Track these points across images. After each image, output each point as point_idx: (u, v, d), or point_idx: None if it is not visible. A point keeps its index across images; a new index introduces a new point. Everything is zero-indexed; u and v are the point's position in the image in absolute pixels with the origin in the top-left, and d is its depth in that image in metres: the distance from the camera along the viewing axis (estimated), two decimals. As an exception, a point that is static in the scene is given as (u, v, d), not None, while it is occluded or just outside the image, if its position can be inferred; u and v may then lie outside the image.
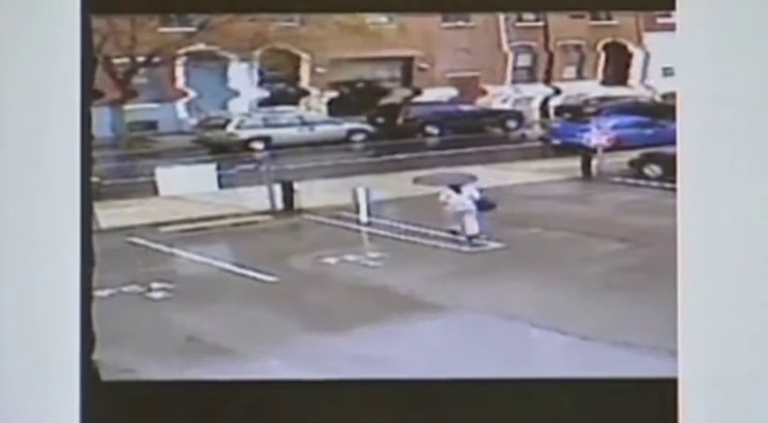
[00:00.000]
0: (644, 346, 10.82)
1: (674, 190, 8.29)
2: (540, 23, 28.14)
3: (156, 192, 19.10)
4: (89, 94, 8.37)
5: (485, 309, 12.58)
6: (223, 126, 24.48)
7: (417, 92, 27.50)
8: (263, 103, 26.07)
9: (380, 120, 25.91)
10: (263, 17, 23.24)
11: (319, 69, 26.51)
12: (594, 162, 20.89)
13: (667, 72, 27.57)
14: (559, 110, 28.11)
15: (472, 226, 16.27)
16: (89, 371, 8.55)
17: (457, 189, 16.87)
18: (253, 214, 18.21)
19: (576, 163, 20.95)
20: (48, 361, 8.25)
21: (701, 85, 8.19)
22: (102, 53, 20.97)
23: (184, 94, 25.48)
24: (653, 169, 20.12)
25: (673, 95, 9.06)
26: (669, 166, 16.38)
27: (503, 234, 16.14)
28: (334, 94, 26.91)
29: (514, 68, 28.65)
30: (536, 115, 28.31)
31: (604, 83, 29.13)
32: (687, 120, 8.23)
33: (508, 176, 21.08)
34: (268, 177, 19.03)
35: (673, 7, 8.31)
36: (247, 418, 9.09)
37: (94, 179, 9.22)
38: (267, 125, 24.52)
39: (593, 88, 28.61)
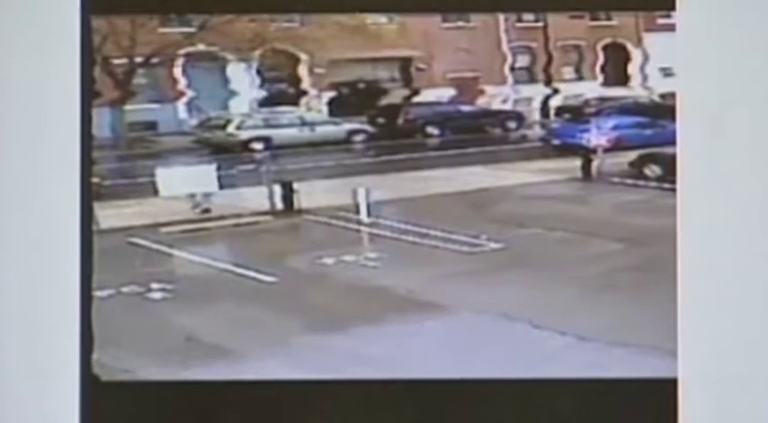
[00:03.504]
0: (644, 346, 10.82)
1: (673, 190, 8.29)
2: (540, 24, 28.15)
3: (156, 192, 19.11)
4: (89, 94, 8.37)
5: (484, 309, 12.59)
6: (223, 126, 24.48)
7: (417, 92, 27.52)
8: (263, 103, 26.09)
9: (381, 120, 25.92)
10: (262, 17, 23.25)
11: (319, 70, 26.51)
12: (594, 162, 20.90)
13: (667, 72, 27.60)
14: (559, 110, 28.12)
15: None
16: (89, 371, 8.55)
17: None
18: (253, 215, 18.22)
19: (575, 163, 20.95)
20: (47, 361, 8.25)
21: (701, 86, 8.19)
22: (101, 53, 20.99)
23: (184, 95, 25.50)
24: (653, 169, 20.13)
25: (672, 95, 9.06)
26: (669, 167, 16.39)
27: (503, 234, 16.15)
28: (334, 94, 26.93)
29: (514, 69, 28.66)
30: (536, 116, 28.32)
31: (604, 83, 29.16)
32: (687, 120, 8.23)
33: (508, 177, 21.09)
34: (268, 178, 19.04)
35: (673, 7, 8.32)
36: (247, 419, 9.10)
37: (95, 179, 9.23)
38: (267, 125, 24.53)
39: (592, 89, 28.62)
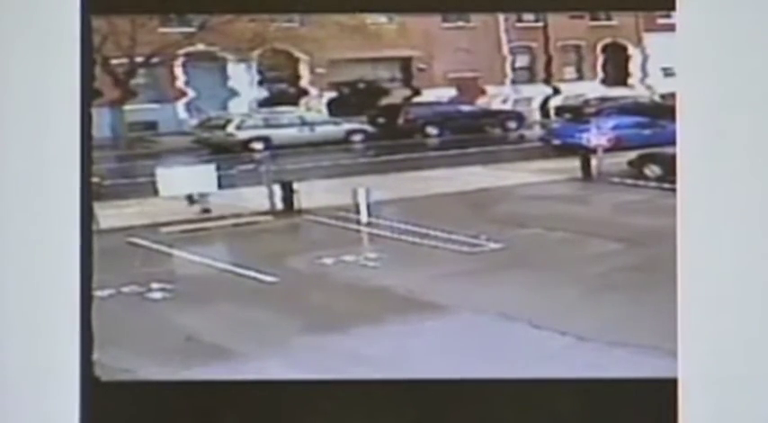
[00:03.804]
0: (644, 346, 10.83)
1: (673, 190, 8.30)
2: (540, 24, 28.14)
3: (156, 192, 19.12)
4: (89, 94, 8.37)
5: (484, 309, 12.59)
6: (223, 126, 24.47)
7: (417, 92, 27.50)
8: (263, 103, 26.08)
9: (381, 120, 25.91)
10: (262, 17, 23.24)
11: (319, 70, 26.49)
12: (594, 162, 20.89)
13: (668, 72, 27.58)
14: (559, 110, 28.11)
15: None
16: (89, 371, 8.55)
17: None
18: (253, 215, 18.23)
19: (575, 163, 20.94)
20: (48, 361, 8.26)
21: (700, 86, 8.19)
22: (101, 53, 20.99)
23: (184, 95, 25.49)
24: (653, 169, 20.13)
25: (672, 96, 9.07)
26: (669, 167, 16.40)
27: (503, 234, 16.15)
28: (334, 94, 26.92)
29: (514, 69, 28.64)
30: (536, 116, 28.30)
31: (604, 83, 29.15)
32: (687, 120, 8.23)
33: (508, 177, 21.09)
34: (268, 178, 19.04)
35: (673, 7, 8.32)
36: (247, 419, 9.10)
37: (94, 179, 9.23)
38: (267, 125, 24.52)
39: (592, 89, 28.61)
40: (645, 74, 29.33)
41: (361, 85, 27.43)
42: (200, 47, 24.14)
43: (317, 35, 24.00)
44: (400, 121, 25.88)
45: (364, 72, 27.45)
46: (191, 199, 18.40)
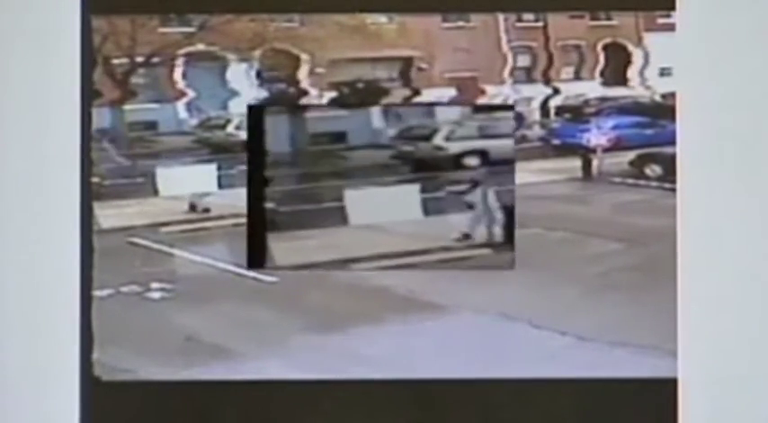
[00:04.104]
0: (644, 346, 10.81)
1: (673, 190, 8.28)
2: (540, 24, 28.14)
3: (156, 192, 19.10)
4: (89, 94, 8.37)
5: (484, 309, 12.57)
6: (223, 126, 24.43)
7: (417, 92, 27.48)
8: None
9: (380, 120, 25.90)
10: (262, 17, 23.26)
11: (319, 69, 26.49)
12: (595, 162, 20.82)
13: (664, 72, 27.54)
14: (559, 110, 28.04)
15: None
16: (89, 371, 8.55)
17: None
18: (252, 214, 18.19)
19: (575, 163, 20.82)
20: (47, 361, 8.25)
21: (700, 86, 8.19)
22: (102, 53, 20.99)
23: (184, 95, 25.48)
24: (653, 169, 20.08)
25: (672, 95, 9.06)
26: (669, 166, 16.36)
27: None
28: (334, 94, 26.92)
29: (514, 69, 28.63)
30: (536, 116, 28.26)
31: (604, 83, 29.14)
32: (687, 120, 8.24)
33: (508, 177, 21.05)
34: (268, 177, 19.02)
35: (673, 7, 8.31)
36: (247, 419, 9.09)
37: (95, 179, 9.22)
38: (267, 125, 24.51)
39: (592, 88, 28.57)
40: (645, 74, 29.33)
41: (361, 85, 27.43)
42: (201, 47, 24.14)
43: (317, 35, 23.99)
44: (400, 120, 25.86)
45: (364, 72, 27.44)
46: (193, 207, 18.36)
